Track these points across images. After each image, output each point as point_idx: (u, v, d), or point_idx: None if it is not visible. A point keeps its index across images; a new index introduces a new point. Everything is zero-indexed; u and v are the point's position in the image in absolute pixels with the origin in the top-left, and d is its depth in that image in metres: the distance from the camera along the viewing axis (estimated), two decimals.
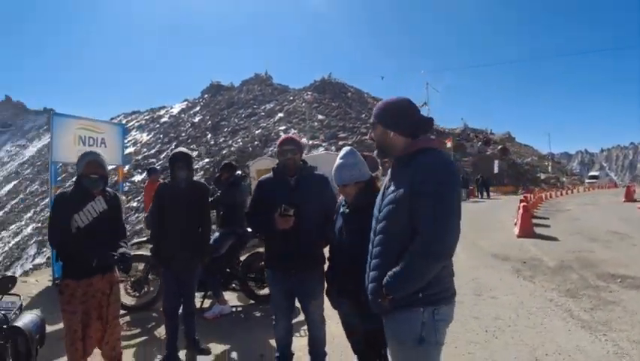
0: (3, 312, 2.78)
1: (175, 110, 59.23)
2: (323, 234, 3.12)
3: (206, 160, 35.88)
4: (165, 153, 39.48)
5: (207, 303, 5.58)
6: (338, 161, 2.77)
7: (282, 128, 37.67)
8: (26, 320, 2.84)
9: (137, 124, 57.57)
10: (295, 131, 36.21)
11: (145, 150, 45.14)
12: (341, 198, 3.18)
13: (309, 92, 45.72)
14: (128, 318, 5.29)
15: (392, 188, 2.04)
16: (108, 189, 3.41)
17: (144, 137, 50.59)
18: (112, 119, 54.54)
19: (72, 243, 3.16)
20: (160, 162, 35.22)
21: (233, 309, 5.48)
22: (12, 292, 3.47)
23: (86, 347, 3.21)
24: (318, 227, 3.15)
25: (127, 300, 5.37)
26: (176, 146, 38.89)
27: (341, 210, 2.85)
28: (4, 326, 2.69)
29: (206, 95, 60.82)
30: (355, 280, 2.35)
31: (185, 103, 61.87)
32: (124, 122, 56.31)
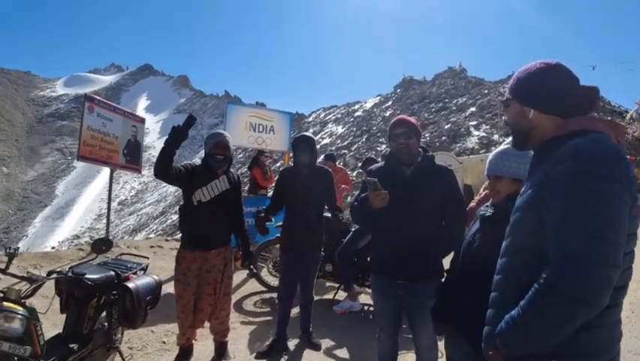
0: (120, 270, 3.18)
1: (368, 105, 61.11)
2: (442, 237, 2.69)
3: None
4: (356, 145, 41.07)
5: (342, 296, 5.52)
6: (502, 146, 2.18)
7: (473, 123, 35.60)
8: (140, 281, 3.12)
9: (333, 117, 61.16)
10: (487, 127, 33.92)
11: (339, 141, 47.65)
12: (481, 194, 2.81)
13: (505, 85, 42.22)
14: (267, 296, 5.65)
15: (523, 190, 1.50)
16: (232, 170, 3.66)
17: (339, 129, 53.41)
18: (312, 112, 59.07)
19: (191, 215, 3.43)
20: (351, 154, 36.82)
21: (365, 308, 5.33)
22: (142, 254, 3.98)
23: (196, 319, 3.45)
24: (436, 228, 2.71)
25: (269, 279, 5.73)
26: (367, 139, 40.18)
27: (482, 211, 2.15)
28: (116, 282, 3.07)
29: (398, 90, 61.28)
30: (475, 309, 1.68)
31: (379, 98, 63.31)
32: (322, 115, 60.41)
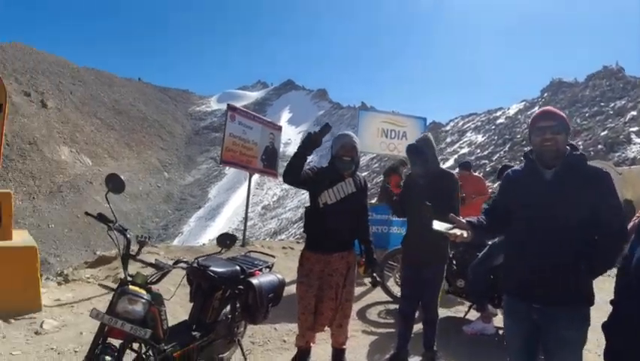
0: (245, 266, 3.32)
1: (511, 112, 57.01)
2: (591, 255, 2.21)
3: None
4: (497, 155, 38.67)
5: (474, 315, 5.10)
6: None
7: (634, 129, 30.99)
8: (264, 278, 3.24)
9: (472, 125, 58.36)
10: None
11: (478, 150, 45.36)
12: None
13: None
14: (392, 306, 5.47)
15: None
16: (359, 173, 3.57)
17: (479, 138, 50.77)
18: (450, 121, 57.19)
19: (316, 218, 3.44)
20: (491, 164, 34.78)
21: (499, 332, 4.78)
22: (272, 253, 4.11)
23: (316, 322, 3.41)
24: (585, 243, 2.23)
25: (395, 290, 5.54)
26: (510, 148, 37.54)
27: None
28: (242, 277, 3.20)
29: (545, 94, 56.15)
30: None
31: (523, 103, 58.68)
32: (460, 123, 58.17)
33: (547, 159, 2.30)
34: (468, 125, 59.30)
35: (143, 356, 2.60)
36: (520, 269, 2.39)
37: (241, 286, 3.17)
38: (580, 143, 33.27)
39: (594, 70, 53.29)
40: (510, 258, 2.58)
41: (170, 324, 2.77)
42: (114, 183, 2.84)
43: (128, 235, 2.72)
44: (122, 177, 2.89)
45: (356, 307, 5.52)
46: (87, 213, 2.99)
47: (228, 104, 8.21)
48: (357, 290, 6.01)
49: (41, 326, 4.18)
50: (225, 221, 48.98)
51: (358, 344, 4.36)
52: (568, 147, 2.33)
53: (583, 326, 2.26)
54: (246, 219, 8.13)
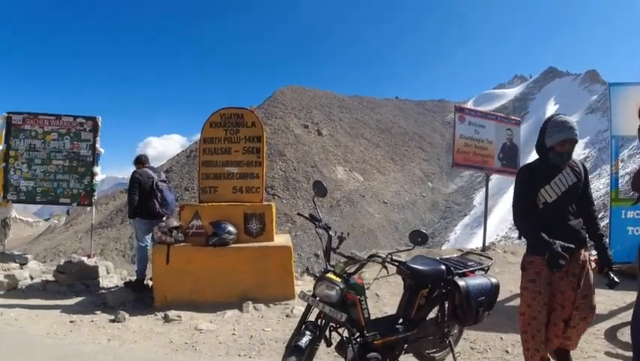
0: (454, 266, 3.33)
1: None
2: None
3: None
4: None
5: None
6: None
7: None
8: (473, 280, 3.17)
9: None
10: None
11: None
12: None
13: None
14: None
15: None
16: (574, 159, 3.11)
17: None
18: None
19: (538, 219, 3.02)
20: None
21: None
22: (487, 255, 3.97)
23: (548, 335, 2.98)
24: None
25: None
26: None
27: None
28: (449, 278, 3.21)
29: None
30: None
31: None
32: None
33: None
34: None
35: (345, 339, 2.93)
36: None
37: (449, 286, 3.20)
38: None
39: None
40: None
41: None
42: (319, 189, 3.34)
43: (331, 233, 3.14)
44: (325, 185, 3.37)
45: (606, 324, 4.70)
46: (299, 214, 3.57)
47: (455, 106, 8.16)
48: (612, 305, 5.16)
49: (292, 311, 5.22)
50: (492, 228, 47.09)
51: None
52: None
53: None
54: (485, 222, 7.82)
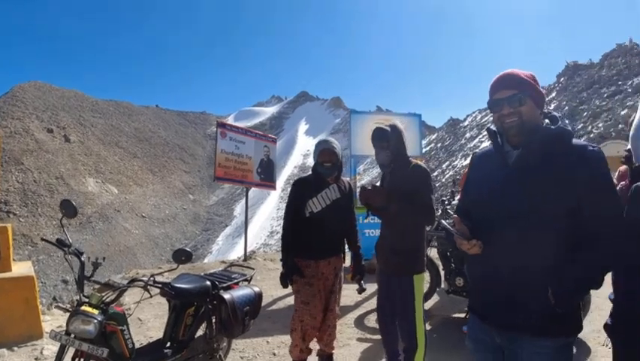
0: (218, 280, 3.35)
1: None
2: (573, 263, 1.64)
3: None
4: None
5: None
6: None
7: None
8: (237, 292, 3.27)
9: (491, 118, 57.51)
10: None
11: (565, 117, 44.36)
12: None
13: None
14: None
15: None
16: (343, 178, 3.58)
17: None
18: (468, 116, 56.40)
19: (303, 227, 3.40)
20: None
21: None
22: (249, 265, 4.18)
23: (305, 327, 3.35)
24: (562, 248, 1.66)
25: None
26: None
27: None
28: (214, 292, 3.24)
29: (562, 79, 54.88)
30: None
31: (543, 91, 57.79)
32: (479, 117, 57.25)
33: (513, 138, 1.78)
34: (486, 118, 58.39)
35: None
36: (478, 281, 1.97)
37: (215, 301, 3.21)
38: (601, 125, 32.42)
39: (608, 49, 51.96)
40: (470, 266, 2.16)
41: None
42: (67, 209, 2.94)
43: (83, 258, 2.81)
44: (74, 203, 2.99)
45: (354, 314, 5.52)
46: (43, 239, 3.11)
47: (217, 121, 8.37)
48: (358, 297, 6.02)
49: (41, 353, 4.37)
50: (252, 237, 49.37)
51: (350, 352, 4.33)
52: (547, 120, 1.81)
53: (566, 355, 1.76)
54: (245, 233, 8.23)
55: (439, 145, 51.71)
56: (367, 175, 52.99)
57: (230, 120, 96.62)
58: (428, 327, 4.81)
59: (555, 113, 1.80)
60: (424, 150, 55.36)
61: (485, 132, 2.00)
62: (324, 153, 3.37)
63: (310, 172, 3.55)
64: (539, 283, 1.65)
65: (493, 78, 1.82)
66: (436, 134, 58.26)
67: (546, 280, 1.64)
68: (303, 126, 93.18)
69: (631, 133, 1.90)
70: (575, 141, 1.70)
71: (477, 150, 2.15)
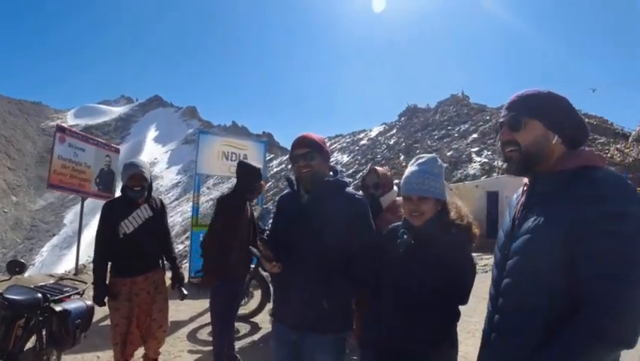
0: (50, 293, 3.21)
1: (373, 133, 61.51)
2: (339, 278, 2.20)
3: (396, 181, 36.29)
4: (360, 174, 41.22)
5: None
6: (416, 166, 2.04)
7: (475, 149, 35.73)
8: (70, 305, 3.17)
9: (339, 146, 61.56)
10: (489, 153, 33.88)
11: (343, 170, 47.77)
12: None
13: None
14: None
15: (533, 219, 1.41)
16: (154, 196, 3.69)
17: (345, 158, 53.72)
18: None
19: (119, 247, 3.45)
20: (355, 182, 36.93)
21: None
22: (81, 279, 4.05)
23: (127, 340, 3.45)
24: (330, 268, 2.18)
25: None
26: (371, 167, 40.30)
27: (402, 238, 2.01)
28: (45, 305, 3.09)
29: (402, 118, 61.67)
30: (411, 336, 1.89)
31: (383, 126, 63.77)
32: (327, 144, 60.79)
33: (306, 185, 2.28)
34: (335, 145, 62.37)
35: None
36: (277, 289, 2.50)
37: (46, 314, 3.08)
38: None
39: (444, 97, 59.99)
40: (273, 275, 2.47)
41: None
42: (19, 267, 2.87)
43: None
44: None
45: (187, 328, 5.57)
46: None
47: (57, 125, 7.73)
48: (192, 311, 6.07)
49: None
50: (84, 248, 45.15)
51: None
52: (331, 172, 2.34)
53: (338, 350, 2.25)
54: (78, 246, 7.66)
55: (289, 166, 53.60)
56: (216, 189, 52.41)
57: (69, 116, 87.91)
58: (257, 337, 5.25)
59: (336, 167, 2.40)
60: (274, 170, 57.26)
61: (333, 159, 2.53)
62: (134, 177, 3.48)
63: (121, 193, 3.65)
64: (319, 292, 2.16)
65: (295, 139, 2.33)
66: (287, 155, 60.24)
67: (322, 294, 2.16)
68: (152, 132, 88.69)
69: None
70: (347, 189, 2.31)
71: (283, 193, 2.59)
